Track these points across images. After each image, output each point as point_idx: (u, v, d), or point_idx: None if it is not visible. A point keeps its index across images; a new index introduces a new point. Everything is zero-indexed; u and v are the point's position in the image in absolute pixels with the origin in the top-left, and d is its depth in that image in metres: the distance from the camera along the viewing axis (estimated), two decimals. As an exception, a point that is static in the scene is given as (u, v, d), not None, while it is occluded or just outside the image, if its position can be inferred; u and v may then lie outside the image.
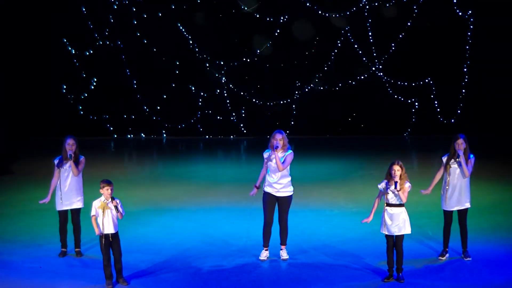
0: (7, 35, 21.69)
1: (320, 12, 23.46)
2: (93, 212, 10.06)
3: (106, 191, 10.02)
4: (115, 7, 23.36)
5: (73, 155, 11.20)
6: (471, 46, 23.58)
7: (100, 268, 10.37)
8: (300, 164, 19.16)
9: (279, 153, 11.07)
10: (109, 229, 10.01)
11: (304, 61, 23.91)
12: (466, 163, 11.04)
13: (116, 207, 9.99)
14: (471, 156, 11.13)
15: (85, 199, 11.52)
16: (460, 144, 11.00)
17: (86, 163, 11.54)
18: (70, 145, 11.21)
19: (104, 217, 9.99)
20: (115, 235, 10.09)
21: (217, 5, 23.50)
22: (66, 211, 11.40)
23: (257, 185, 11.24)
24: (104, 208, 10.01)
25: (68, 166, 11.28)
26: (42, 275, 10.50)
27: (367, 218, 10.48)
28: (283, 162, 11.03)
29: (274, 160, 11.04)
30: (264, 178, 11.22)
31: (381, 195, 10.31)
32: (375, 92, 23.98)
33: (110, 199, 10.02)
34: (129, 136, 24.35)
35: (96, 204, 10.07)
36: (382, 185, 10.27)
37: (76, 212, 11.41)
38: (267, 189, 11.17)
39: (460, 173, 11.09)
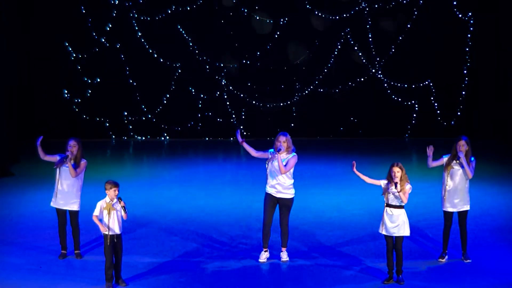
0: (8, 35, 21.66)
1: (319, 14, 23.47)
2: (96, 212, 10.01)
3: (112, 192, 9.98)
4: (114, 15, 23.36)
5: (71, 156, 11.18)
6: (471, 48, 23.56)
7: (99, 269, 10.37)
8: (300, 165, 19.12)
9: (282, 156, 11.07)
10: (114, 230, 10.00)
11: (304, 62, 23.89)
12: (468, 165, 11.05)
13: (124, 207, 9.96)
14: (472, 159, 11.13)
15: (83, 200, 11.51)
16: (462, 146, 11.00)
17: (87, 165, 11.52)
18: (71, 146, 11.21)
19: (110, 218, 9.97)
20: (119, 236, 10.08)
21: (216, 6, 23.48)
22: (64, 212, 11.37)
23: (242, 140, 11.23)
24: (109, 209, 9.99)
25: (67, 166, 11.26)
26: (42, 277, 10.51)
27: (354, 169, 10.44)
28: (285, 165, 11.04)
29: (276, 163, 11.04)
30: (248, 148, 11.23)
31: (383, 191, 10.30)
32: (375, 94, 23.96)
33: (115, 200, 10.01)
34: (129, 137, 24.34)
35: (102, 204, 10.02)
36: (384, 182, 10.29)
37: (74, 214, 11.38)
38: (268, 190, 11.18)
39: (461, 175, 11.08)
